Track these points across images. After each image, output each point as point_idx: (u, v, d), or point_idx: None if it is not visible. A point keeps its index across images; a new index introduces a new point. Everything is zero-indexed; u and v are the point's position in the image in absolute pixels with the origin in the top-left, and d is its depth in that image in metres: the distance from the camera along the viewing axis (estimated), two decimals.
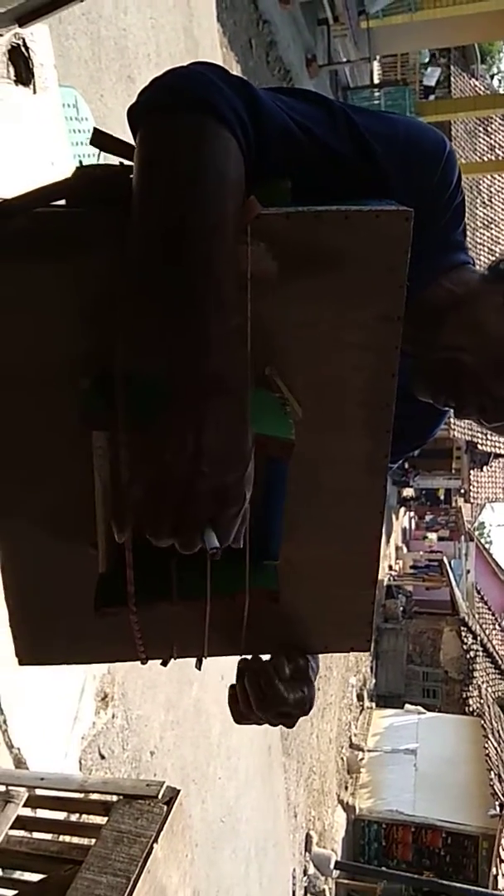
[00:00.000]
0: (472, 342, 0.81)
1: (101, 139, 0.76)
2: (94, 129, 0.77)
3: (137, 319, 0.58)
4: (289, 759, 7.75)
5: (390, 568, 17.86)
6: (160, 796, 1.82)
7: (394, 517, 18.73)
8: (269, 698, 0.85)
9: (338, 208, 0.69)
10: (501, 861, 9.15)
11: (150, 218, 0.60)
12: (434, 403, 0.88)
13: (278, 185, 0.75)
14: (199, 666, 0.98)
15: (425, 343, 0.85)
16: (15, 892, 2.09)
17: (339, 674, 11.03)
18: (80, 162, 2.63)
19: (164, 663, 0.97)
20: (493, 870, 9.02)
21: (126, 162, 0.76)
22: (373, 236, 0.69)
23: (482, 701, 12.89)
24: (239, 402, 0.57)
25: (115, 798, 1.89)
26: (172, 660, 0.97)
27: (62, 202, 0.76)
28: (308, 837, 8.43)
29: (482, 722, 11.72)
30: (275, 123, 0.72)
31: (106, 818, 1.88)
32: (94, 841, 1.80)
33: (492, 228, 15.80)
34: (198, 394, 0.55)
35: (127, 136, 0.74)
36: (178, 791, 1.85)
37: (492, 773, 10.06)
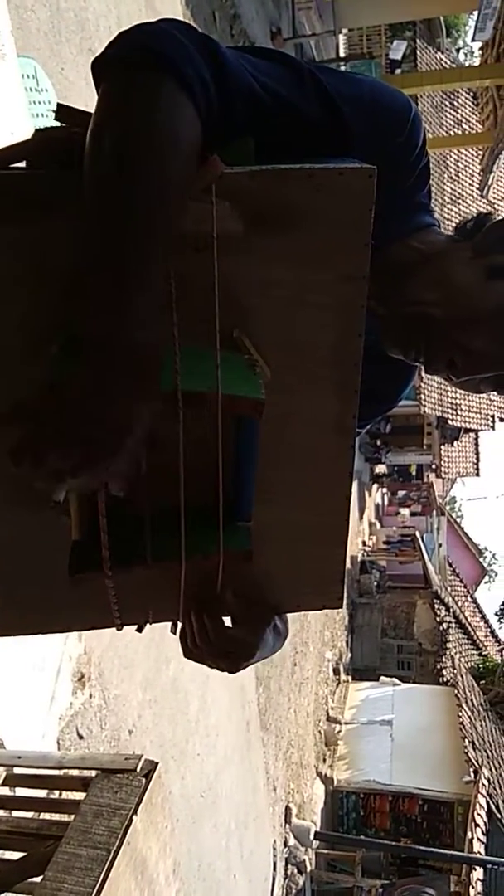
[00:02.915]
0: (441, 296, 0.82)
1: (65, 114, 0.75)
2: (58, 104, 0.76)
3: (82, 279, 0.60)
4: (267, 734, 7.84)
5: (364, 544, 18.05)
6: (139, 769, 1.83)
7: (366, 494, 18.90)
8: (210, 633, 0.87)
9: (301, 166, 0.69)
10: (476, 826, 9.36)
11: (93, 176, 0.60)
12: (404, 359, 0.89)
13: (242, 145, 0.74)
14: (174, 630, 0.98)
15: (393, 301, 0.85)
16: None
17: (315, 649, 11.15)
18: None
19: (140, 629, 0.98)
20: (469, 834, 9.23)
21: None
22: (337, 193, 0.69)
23: (455, 671, 13.14)
24: (138, 370, 0.60)
25: (93, 774, 1.90)
26: (148, 625, 0.98)
27: (22, 164, 0.74)
28: (287, 810, 8.56)
29: (456, 691, 11.96)
30: (239, 84, 0.71)
31: (85, 794, 1.89)
32: (73, 817, 1.81)
33: (459, 204, 15.84)
34: (102, 360, 0.59)
35: (89, 108, 0.73)
36: (157, 764, 1.86)
37: (466, 740, 10.28)
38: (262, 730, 7.66)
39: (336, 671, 12.78)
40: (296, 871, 8.63)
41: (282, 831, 8.31)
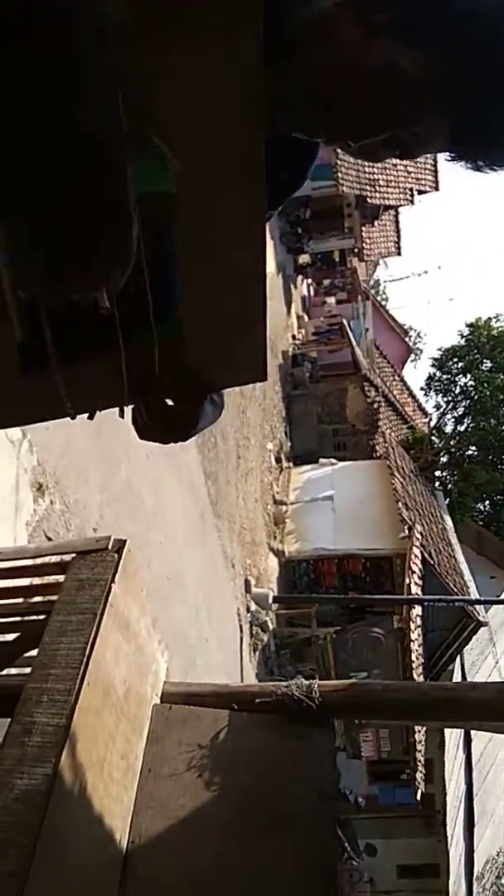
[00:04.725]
0: (330, 63, 0.82)
1: None
2: None
3: None
4: (220, 521, 8.49)
5: (293, 338, 18.26)
6: (110, 547, 2.05)
7: (292, 287, 18.77)
8: (156, 410, 1.01)
9: None
10: (413, 573, 10.63)
11: None
12: (305, 136, 0.92)
13: None
14: (121, 414, 1.10)
15: (287, 77, 0.85)
16: None
17: (257, 441, 11.73)
18: None
19: (91, 416, 1.08)
20: (406, 580, 10.51)
21: None
22: None
23: (387, 445, 14.09)
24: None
25: (69, 557, 2.13)
26: (98, 412, 1.08)
27: None
28: (247, 582, 9.52)
29: (388, 462, 12.93)
30: None
31: (64, 576, 2.12)
32: (58, 594, 2.05)
33: None
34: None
35: None
36: (126, 540, 2.09)
37: (399, 503, 11.34)
38: (216, 518, 8.29)
39: (278, 459, 13.55)
40: (259, 630, 9.83)
41: (244, 600, 9.30)
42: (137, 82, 0.73)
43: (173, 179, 0.76)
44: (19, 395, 0.99)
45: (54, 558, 2.18)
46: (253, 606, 9.55)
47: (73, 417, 1.04)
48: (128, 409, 1.09)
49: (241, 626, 8.89)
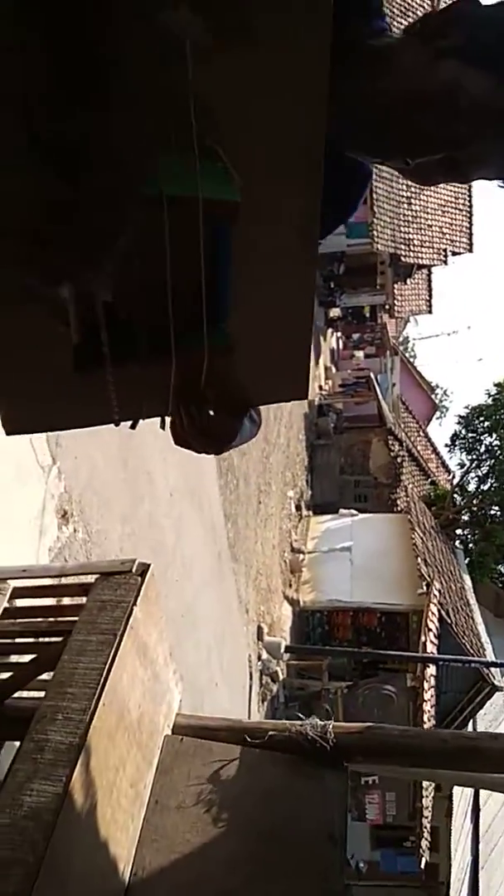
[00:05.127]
0: (394, 84, 0.86)
1: None
2: None
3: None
4: (237, 565, 8.44)
5: (320, 388, 18.38)
6: (134, 570, 2.07)
7: (321, 339, 18.98)
8: (197, 418, 1.02)
9: None
10: (429, 630, 10.43)
11: None
12: (366, 156, 0.96)
13: None
14: (163, 425, 1.12)
15: (349, 99, 0.89)
16: (9, 674, 2.36)
17: (278, 488, 11.72)
18: None
19: (133, 425, 1.11)
20: (422, 638, 10.31)
21: None
22: None
23: (409, 499, 13.99)
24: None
25: (93, 579, 2.14)
26: (141, 420, 1.11)
27: None
28: (259, 629, 9.40)
29: (409, 517, 12.82)
30: None
31: (86, 597, 2.13)
32: (79, 614, 2.06)
33: (409, 16, 14.76)
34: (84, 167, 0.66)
35: None
36: (149, 565, 2.10)
37: (419, 559, 11.20)
38: (233, 561, 8.24)
39: (298, 507, 13.50)
40: (270, 680, 9.66)
41: (255, 647, 9.17)
42: (205, 98, 0.79)
43: (237, 190, 0.80)
44: (68, 398, 1.03)
45: (78, 579, 2.20)
46: (264, 655, 9.41)
47: (117, 424, 1.07)
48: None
49: (251, 674, 8.75)
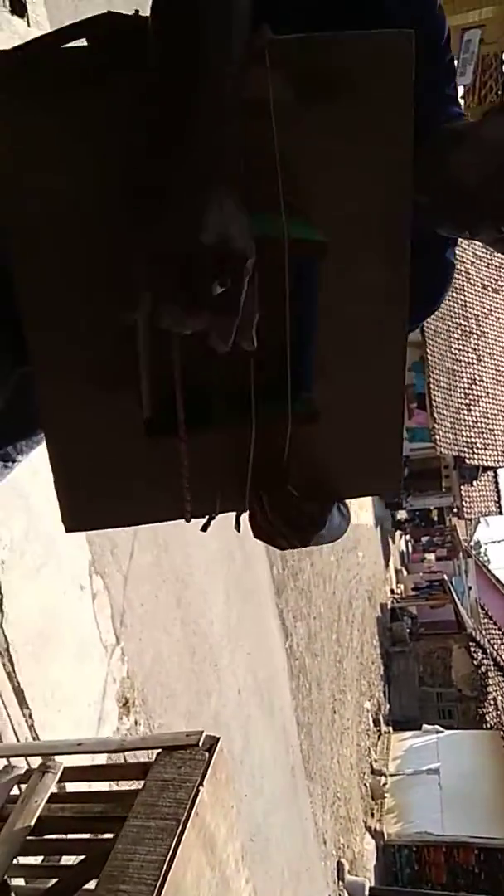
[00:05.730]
0: (478, 158, 0.86)
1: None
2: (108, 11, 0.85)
3: (147, 130, 0.65)
4: (312, 784, 7.59)
5: (392, 592, 17.76)
6: (201, 744, 1.82)
7: (390, 541, 18.71)
8: (281, 506, 0.91)
9: (348, 32, 0.75)
10: None
11: (159, 31, 0.66)
12: (453, 232, 0.94)
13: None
14: (238, 527, 1.01)
15: (433, 182, 0.89)
16: (55, 879, 2.06)
17: (353, 698, 10.87)
18: None
19: (206, 526, 0.99)
20: None
21: None
22: (381, 57, 0.74)
23: (499, 713, 12.73)
24: (234, 189, 0.64)
25: (154, 757, 1.89)
26: (213, 518, 1.00)
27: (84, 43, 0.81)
28: (339, 865, 8.20)
29: (501, 734, 11.56)
30: None
31: (144, 781, 1.87)
32: (138, 795, 1.79)
33: None
34: (195, 183, 0.62)
35: None
36: (218, 738, 1.85)
37: None
38: (308, 779, 7.42)
39: (376, 722, 12.41)
40: None
41: (336, 888, 7.94)
42: (286, 160, 0.78)
43: (322, 233, 0.77)
44: (132, 491, 0.94)
45: (136, 758, 1.95)
46: None
47: (188, 520, 0.96)
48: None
49: None
